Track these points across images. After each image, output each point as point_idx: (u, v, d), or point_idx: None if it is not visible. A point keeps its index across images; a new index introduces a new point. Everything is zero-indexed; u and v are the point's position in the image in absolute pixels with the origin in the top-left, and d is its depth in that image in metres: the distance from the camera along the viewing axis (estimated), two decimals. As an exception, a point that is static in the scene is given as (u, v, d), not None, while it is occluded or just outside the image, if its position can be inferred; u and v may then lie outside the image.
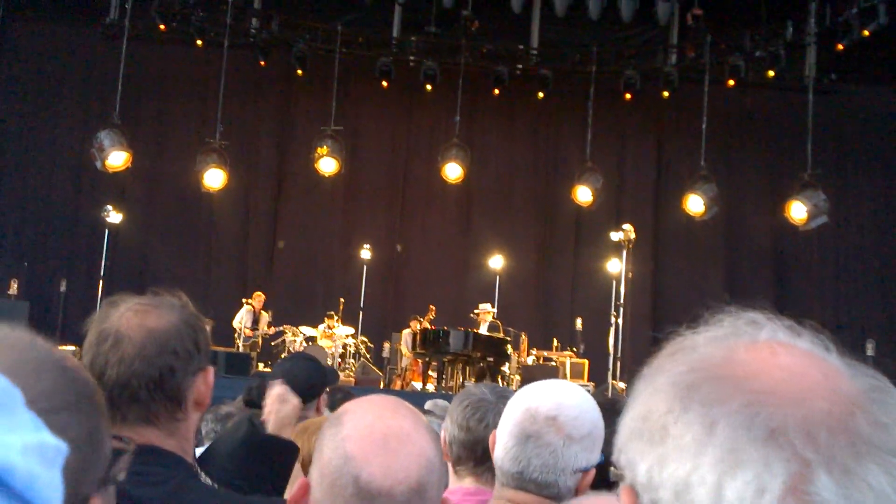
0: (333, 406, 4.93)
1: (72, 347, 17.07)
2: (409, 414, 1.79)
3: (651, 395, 0.96)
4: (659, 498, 0.92)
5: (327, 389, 4.74)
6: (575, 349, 19.15)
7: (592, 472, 2.53)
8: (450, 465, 2.96)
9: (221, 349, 16.97)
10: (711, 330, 0.99)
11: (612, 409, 2.67)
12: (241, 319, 18.79)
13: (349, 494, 1.66)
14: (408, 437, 1.72)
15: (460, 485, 2.93)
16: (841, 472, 0.83)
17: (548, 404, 2.55)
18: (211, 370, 2.33)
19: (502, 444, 2.55)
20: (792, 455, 0.84)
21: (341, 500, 1.67)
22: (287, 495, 2.92)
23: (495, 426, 2.67)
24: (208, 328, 2.37)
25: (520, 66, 21.02)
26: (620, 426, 1.01)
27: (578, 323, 19.68)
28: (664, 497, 0.92)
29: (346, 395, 5.65)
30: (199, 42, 20.17)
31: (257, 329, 18.85)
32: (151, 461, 2.14)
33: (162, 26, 19.68)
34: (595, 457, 2.53)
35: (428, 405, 6.17)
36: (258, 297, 18.94)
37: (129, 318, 2.23)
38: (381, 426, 1.72)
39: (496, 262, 20.39)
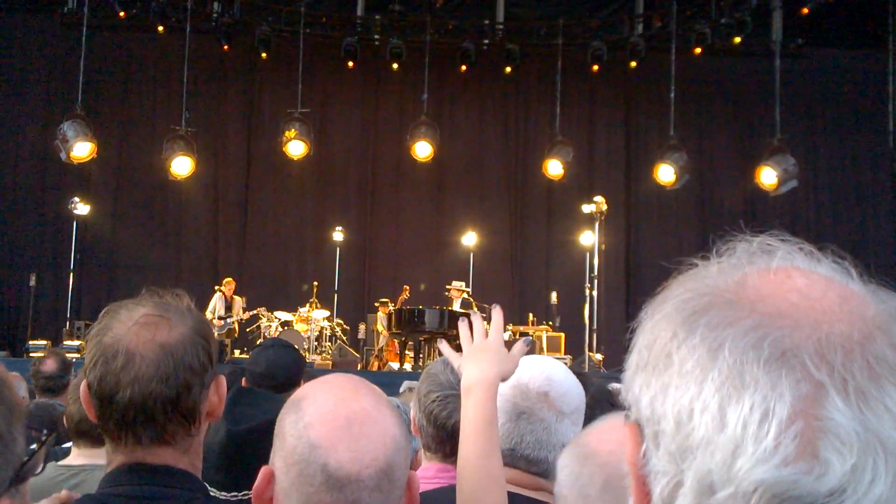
0: None
1: (42, 342, 17.07)
2: (369, 393, 1.75)
3: (656, 323, 0.92)
4: (661, 430, 0.88)
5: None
6: (551, 323, 19.14)
7: None
8: (419, 440, 2.94)
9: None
10: (724, 258, 0.95)
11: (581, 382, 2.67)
12: (215, 307, 18.53)
13: (318, 483, 1.63)
14: (371, 419, 1.68)
15: (433, 462, 2.90)
16: (856, 394, 0.79)
17: (538, 380, 2.55)
18: (222, 379, 2.20)
19: None
20: (803, 377, 0.80)
21: (310, 488, 1.63)
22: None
23: None
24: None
25: (486, 42, 20.94)
26: (627, 362, 0.97)
27: (553, 296, 19.67)
28: (666, 428, 0.87)
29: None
30: (160, 28, 19.95)
31: (231, 315, 18.59)
32: (172, 483, 2.09)
33: (122, 13, 19.45)
34: (579, 430, 2.50)
35: (404, 387, 6.07)
36: (228, 284, 18.68)
37: (139, 333, 2.07)
38: (344, 410, 1.68)
39: (469, 239, 20.31)
